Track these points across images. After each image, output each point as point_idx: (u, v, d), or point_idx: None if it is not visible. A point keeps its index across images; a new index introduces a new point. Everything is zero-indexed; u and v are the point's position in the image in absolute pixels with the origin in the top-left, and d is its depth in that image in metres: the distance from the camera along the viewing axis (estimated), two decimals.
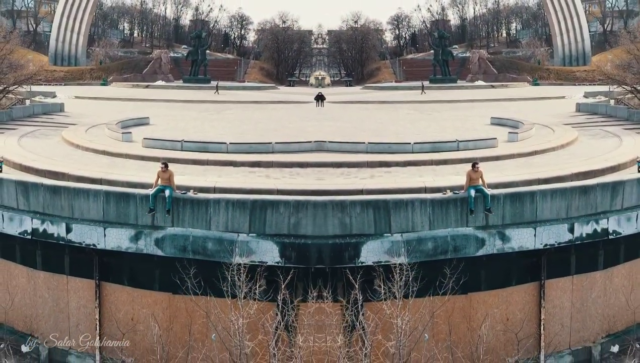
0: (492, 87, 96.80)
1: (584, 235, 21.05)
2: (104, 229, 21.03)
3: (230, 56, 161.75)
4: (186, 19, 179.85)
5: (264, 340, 17.67)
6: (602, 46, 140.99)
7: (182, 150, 31.97)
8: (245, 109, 63.38)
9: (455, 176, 24.50)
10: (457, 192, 20.48)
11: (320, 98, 66.67)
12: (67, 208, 21.71)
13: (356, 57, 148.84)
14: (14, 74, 55.52)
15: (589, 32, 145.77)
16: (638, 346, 24.04)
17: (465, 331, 19.66)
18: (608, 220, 21.39)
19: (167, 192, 20.47)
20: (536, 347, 21.76)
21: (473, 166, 20.53)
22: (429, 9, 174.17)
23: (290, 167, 28.60)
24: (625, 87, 52.60)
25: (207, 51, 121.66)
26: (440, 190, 21.30)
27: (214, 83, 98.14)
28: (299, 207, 19.46)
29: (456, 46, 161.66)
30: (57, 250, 22.36)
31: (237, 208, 19.89)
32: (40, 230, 22.00)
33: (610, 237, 21.68)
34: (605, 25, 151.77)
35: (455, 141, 32.20)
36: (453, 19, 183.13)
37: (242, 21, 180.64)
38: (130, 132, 37.50)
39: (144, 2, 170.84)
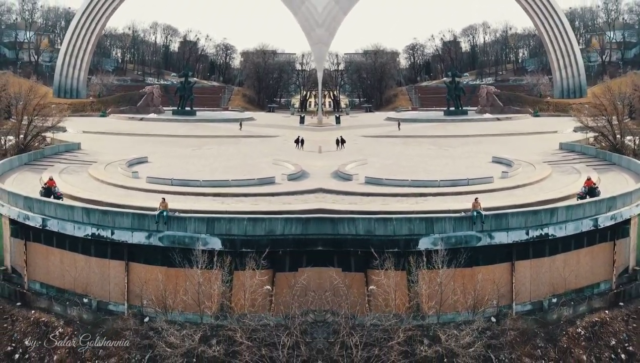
0: (498, 119, 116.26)
1: (535, 236, 40.37)
2: (132, 232, 39.58)
3: (215, 83, 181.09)
4: (175, 46, 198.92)
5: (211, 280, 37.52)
6: (600, 76, 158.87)
7: (172, 185, 51.41)
8: (221, 144, 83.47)
9: (466, 203, 43.49)
10: (467, 212, 39.99)
11: (339, 141, 75.14)
12: (111, 222, 40.11)
13: (375, 85, 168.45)
14: (43, 120, 72.82)
15: (590, 62, 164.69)
16: (573, 303, 43.33)
17: (471, 284, 39.04)
18: (548, 229, 40.71)
19: (164, 214, 39.25)
20: (510, 299, 41.04)
21: (475, 199, 40.28)
22: (442, 38, 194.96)
23: (238, 196, 48.51)
24: (595, 132, 72.38)
25: (195, 79, 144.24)
26: (458, 211, 40.83)
27: (200, 113, 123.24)
28: (231, 220, 38.59)
29: (467, 74, 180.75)
30: (104, 244, 40.60)
31: (200, 221, 38.99)
32: (96, 233, 40.33)
33: (550, 238, 41.03)
34: (604, 57, 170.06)
35: (466, 179, 52.09)
36: (464, 46, 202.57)
37: (226, 50, 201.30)
38: (137, 171, 56.77)
39: (136, 31, 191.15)
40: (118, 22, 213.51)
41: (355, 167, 60.38)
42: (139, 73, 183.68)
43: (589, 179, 48.91)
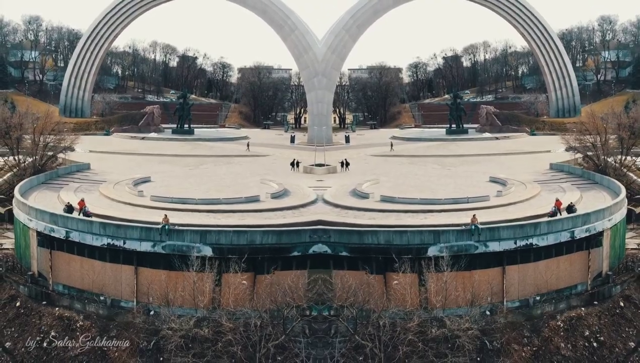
0: (496, 138, 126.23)
1: (521, 245, 50.52)
2: (140, 242, 48.49)
3: (213, 101, 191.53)
4: (174, 62, 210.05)
5: (203, 280, 47.02)
6: (596, 95, 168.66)
7: (172, 203, 60.46)
8: (216, 163, 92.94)
9: (466, 218, 53.59)
10: (466, 226, 50.27)
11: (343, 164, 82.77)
12: (123, 233, 48.93)
13: (380, 102, 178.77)
14: (57, 142, 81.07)
15: (586, 81, 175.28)
16: (554, 301, 53.24)
17: (469, 284, 49.27)
18: (533, 239, 50.72)
19: (166, 227, 48.27)
20: (501, 296, 51.13)
21: (473, 215, 50.71)
22: (444, 56, 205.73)
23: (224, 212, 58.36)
24: (580, 154, 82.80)
25: (193, 96, 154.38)
26: (459, 225, 51.16)
27: (198, 131, 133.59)
28: (220, 232, 48.12)
29: (467, 91, 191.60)
30: (117, 252, 49.29)
31: (194, 232, 48.38)
32: (111, 243, 49.24)
33: (534, 247, 51.10)
34: (599, 76, 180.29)
35: (466, 198, 62.47)
36: (465, 63, 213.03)
37: (223, 68, 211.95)
38: (142, 190, 66.14)
39: (136, 49, 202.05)
40: (119, 41, 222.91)
41: (370, 186, 70.71)
42: (139, 90, 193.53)
43: (557, 200, 58.40)
